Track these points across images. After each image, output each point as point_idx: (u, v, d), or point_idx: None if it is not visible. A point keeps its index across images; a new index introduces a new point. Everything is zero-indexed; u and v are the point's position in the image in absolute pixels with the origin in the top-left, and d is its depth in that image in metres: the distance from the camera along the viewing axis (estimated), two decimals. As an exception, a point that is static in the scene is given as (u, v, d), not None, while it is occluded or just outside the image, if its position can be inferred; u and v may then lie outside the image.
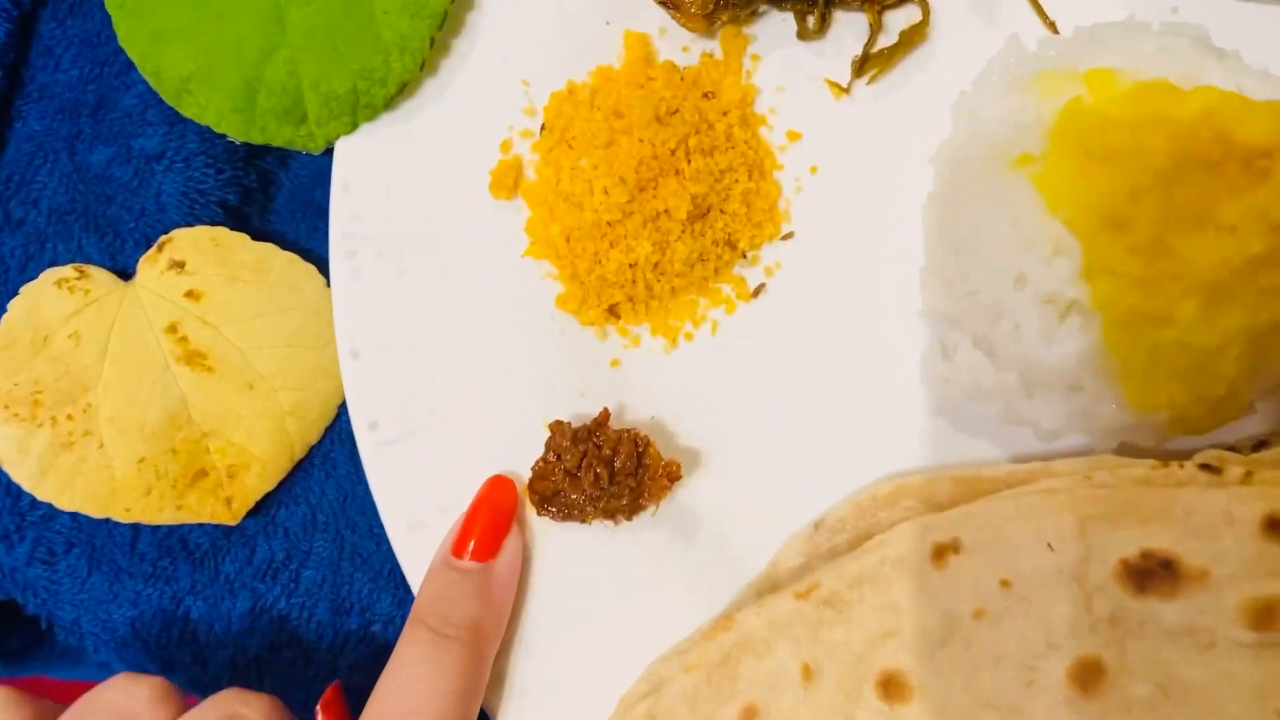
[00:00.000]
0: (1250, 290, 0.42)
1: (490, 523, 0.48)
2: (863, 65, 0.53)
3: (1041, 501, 0.43)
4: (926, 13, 0.53)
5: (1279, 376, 0.46)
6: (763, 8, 0.55)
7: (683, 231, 0.51)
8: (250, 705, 0.43)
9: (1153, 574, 0.41)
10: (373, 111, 0.53)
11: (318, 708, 0.47)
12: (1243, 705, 0.40)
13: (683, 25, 0.53)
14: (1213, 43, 0.49)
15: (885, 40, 0.54)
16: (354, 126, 0.53)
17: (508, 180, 0.53)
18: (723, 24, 0.54)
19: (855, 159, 0.53)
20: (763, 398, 0.52)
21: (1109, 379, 0.45)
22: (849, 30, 0.54)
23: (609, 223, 0.50)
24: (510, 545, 0.48)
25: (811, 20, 0.54)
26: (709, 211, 0.52)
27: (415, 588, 0.49)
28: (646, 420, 0.52)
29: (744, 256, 0.53)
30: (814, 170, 0.54)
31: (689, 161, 0.51)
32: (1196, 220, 0.41)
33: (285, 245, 0.58)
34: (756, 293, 0.53)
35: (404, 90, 0.53)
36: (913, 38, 0.53)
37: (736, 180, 0.52)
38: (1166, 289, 0.42)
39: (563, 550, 0.50)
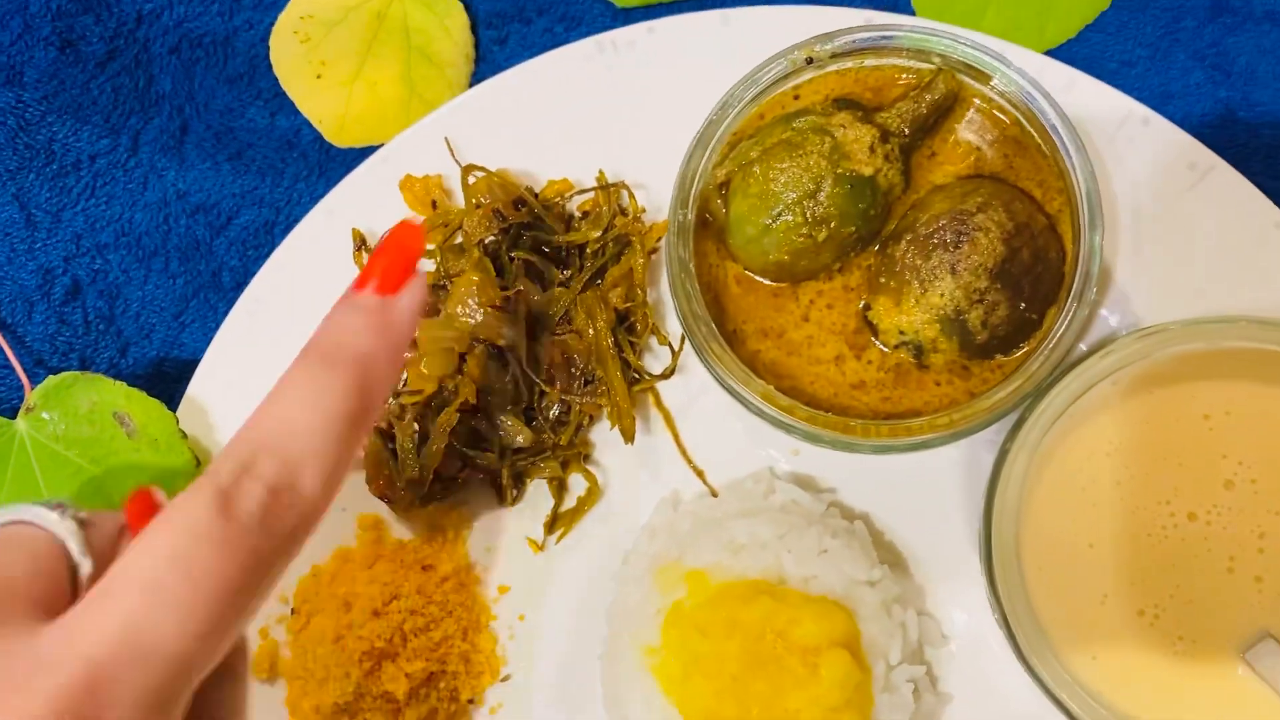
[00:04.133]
0: (819, 756, 0.52)
1: (395, 260, 0.45)
2: (552, 525, 0.65)
3: None
4: (593, 481, 0.65)
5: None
6: (476, 477, 0.66)
7: (409, 699, 0.61)
8: None
9: None
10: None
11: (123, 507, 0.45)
12: None
13: (398, 515, 0.65)
14: (798, 496, 0.61)
15: (571, 502, 0.65)
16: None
17: (265, 663, 0.63)
18: (434, 506, 0.65)
19: (555, 605, 0.64)
20: (500, 822, 0.62)
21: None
22: (544, 495, 0.66)
23: (346, 702, 0.61)
24: (413, 286, 0.45)
25: (511, 493, 0.65)
26: (431, 676, 0.62)
27: None
28: None
29: (470, 703, 0.63)
30: (522, 618, 0.64)
31: (405, 644, 0.61)
32: (769, 709, 0.52)
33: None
34: (485, 731, 0.63)
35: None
36: (587, 501, 0.65)
37: (453, 645, 0.63)
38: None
39: None
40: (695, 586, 0.55)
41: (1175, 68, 0.68)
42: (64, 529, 0.41)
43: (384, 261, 0.44)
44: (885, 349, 0.58)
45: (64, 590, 0.40)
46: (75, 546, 0.41)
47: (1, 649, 0.34)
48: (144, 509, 0.43)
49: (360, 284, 0.44)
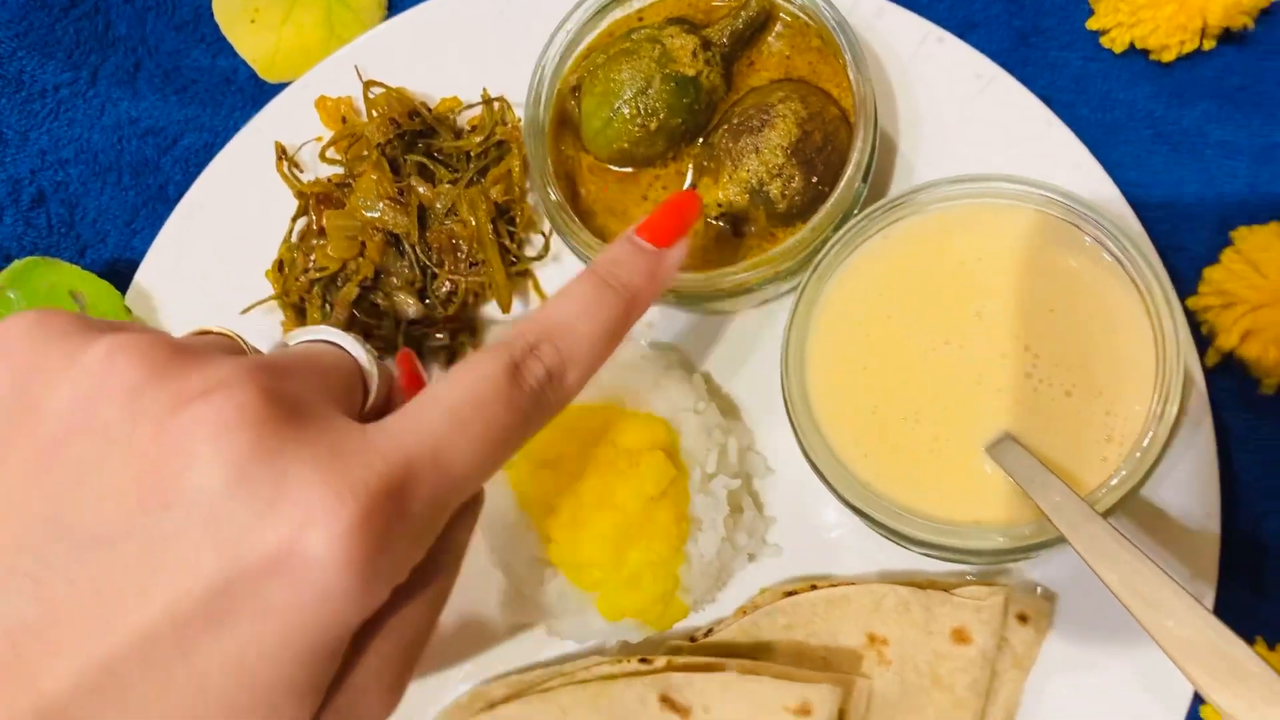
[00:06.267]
0: (641, 539, 0.63)
1: (673, 221, 0.53)
2: (443, 389, 0.76)
3: (540, 698, 0.64)
4: (478, 350, 0.76)
5: (708, 590, 0.67)
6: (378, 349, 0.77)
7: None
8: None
9: (599, 744, 0.62)
10: None
11: (395, 359, 0.51)
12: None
13: (311, 379, 0.76)
14: (646, 353, 0.72)
15: (458, 368, 0.77)
16: None
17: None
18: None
19: (445, 455, 0.75)
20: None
21: (589, 602, 0.66)
22: (438, 367, 0.77)
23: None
24: (680, 245, 0.53)
25: (405, 361, 0.77)
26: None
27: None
28: None
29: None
30: (417, 466, 0.75)
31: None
32: (600, 499, 0.63)
33: None
34: (383, 560, 0.74)
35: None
36: (473, 367, 0.76)
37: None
38: (589, 546, 0.63)
39: None
40: (546, 411, 0.66)
41: (978, 2, 0.80)
42: (364, 355, 0.47)
43: (664, 219, 0.53)
44: (710, 220, 0.69)
45: (359, 404, 0.46)
46: (369, 371, 0.47)
47: (336, 428, 0.39)
48: (410, 367, 0.52)
49: (641, 231, 0.53)
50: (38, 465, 0.36)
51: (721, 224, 0.69)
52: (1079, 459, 0.61)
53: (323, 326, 0.48)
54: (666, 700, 0.61)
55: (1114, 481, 0.58)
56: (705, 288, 0.66)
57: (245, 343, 0.46)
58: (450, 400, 0.41)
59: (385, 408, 0.47)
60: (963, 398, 0.62)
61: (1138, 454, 0.58)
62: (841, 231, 0.64)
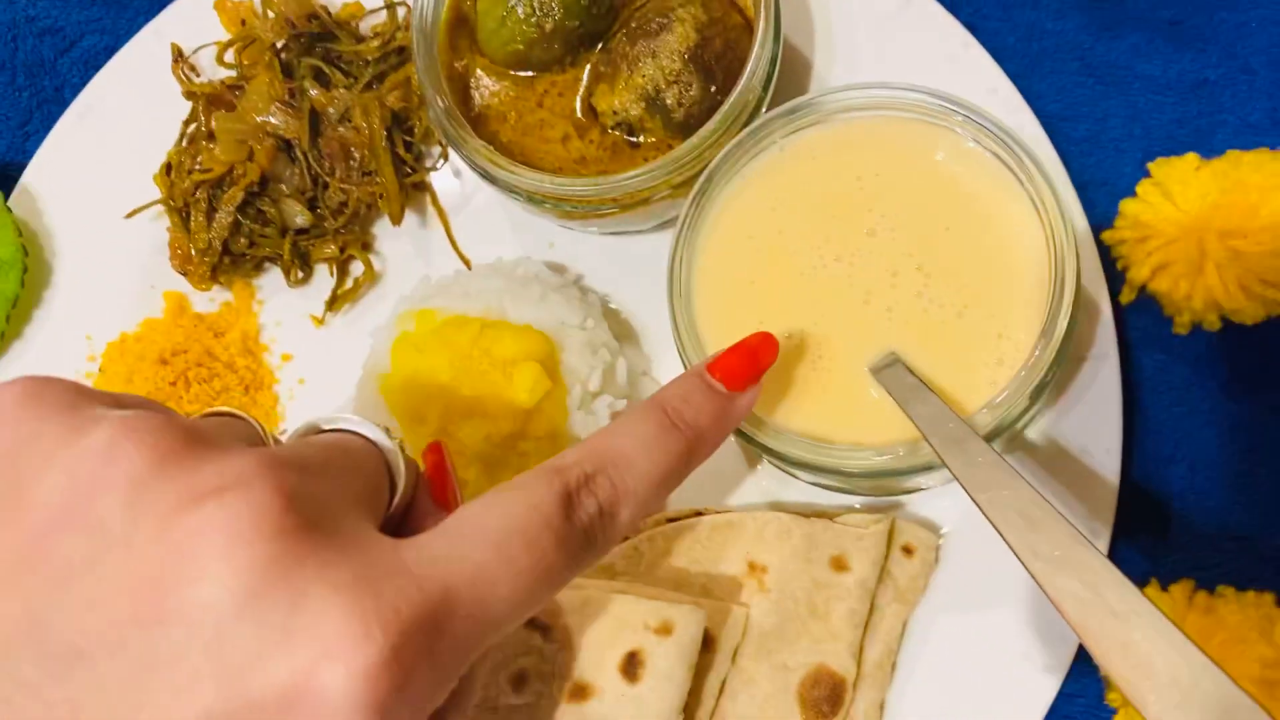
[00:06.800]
0: (513, 455, 0.61)
1: (747, 364, 0.51)
2: (331, 303, 0.73)
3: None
4: (368, 264, 0.73)
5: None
6: (266, 265, 0.75)
7: (192, 439, 0.69)
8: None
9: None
10: (-36, 372, 0.71)
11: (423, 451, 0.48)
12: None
13: (193, 286, 0.73)
14: (540, 270, 0.69)
15: (351, 284, 0.74)
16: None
17: (71, 411, 0.72)
18: (228, 281, 0.74)
19: (332, 371, 0.72)
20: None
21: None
22: (328, 279, 0.74)
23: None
24: (752, 393, 0.51)
25: (295, 273, 0.74)
26: (214, 422, 0.70)
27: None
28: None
29: (250, 451, 0.72)
30: (301, 382, 0.73)
31: (188, 389, 0.70)
32: (469, 412, 0.61)
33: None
34: (262, 476, 0.71)
35: (-10, 353, 0.72)
36: (363, 281, 0.73)
37: (234, 396, 0.71)
38: (458, 460, 0.61)
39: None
40: (422, 321, 0.64)
41: (908, -74, 0.77)
42: (391, 449, 0.42)
43: (737, 361, 0.51)
44: (606, 130, 0.66)
45: (385, 505, 0.42)
46: (396, 468, 0.42)
47: (364, 543, 0.34)
48: (439, 460, 0.47)
49: (713, 370, 0.51)
50: (18, 563, 0.32)
51: (617, 133, 0.66)
52: (968, 383, 0.58)
53: (346, 415, 0.43)
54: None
55: (997, 400, 0.55)
56: (595, 197, 0.64)
57: (265, 431, 0.42)
58: (496, 526, 0.37)
59: (408, 507, 0.44)
60: (850, 318, 0.60)
61: (1023, 373, 0.56)
62: (736, 140, 0.62)
